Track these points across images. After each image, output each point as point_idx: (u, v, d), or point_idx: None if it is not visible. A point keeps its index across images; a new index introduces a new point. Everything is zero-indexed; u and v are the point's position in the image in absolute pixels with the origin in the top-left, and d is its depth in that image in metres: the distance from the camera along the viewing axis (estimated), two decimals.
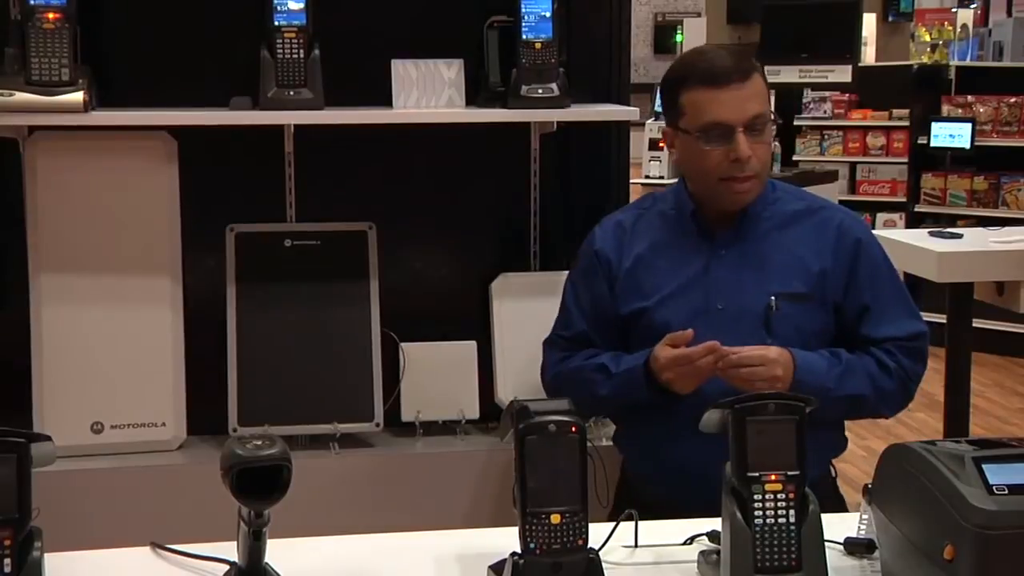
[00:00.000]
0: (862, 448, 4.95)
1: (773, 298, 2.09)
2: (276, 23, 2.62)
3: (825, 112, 8.29)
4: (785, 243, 2.14)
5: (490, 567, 1.57)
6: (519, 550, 1.48)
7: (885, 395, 2.12)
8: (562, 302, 2.30)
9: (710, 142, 2.07)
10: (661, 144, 9.28)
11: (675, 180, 7.58)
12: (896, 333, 2.12)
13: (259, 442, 1.41)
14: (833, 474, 2.23)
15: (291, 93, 2.62)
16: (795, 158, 8.29)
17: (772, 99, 2.23)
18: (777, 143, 7.09)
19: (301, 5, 2.62)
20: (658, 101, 10.02)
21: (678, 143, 2.15)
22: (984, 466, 1.38)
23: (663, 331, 2.10)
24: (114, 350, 2.69)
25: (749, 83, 2.06)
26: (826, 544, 1.50)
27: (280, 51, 2.61)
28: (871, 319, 2.12)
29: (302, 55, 2.62)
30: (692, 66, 2.12)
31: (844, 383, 2.08)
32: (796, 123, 8.75)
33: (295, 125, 2.74)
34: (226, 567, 1.53)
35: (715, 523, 1.57)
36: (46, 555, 1.43)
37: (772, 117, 2.11)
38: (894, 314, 2.13)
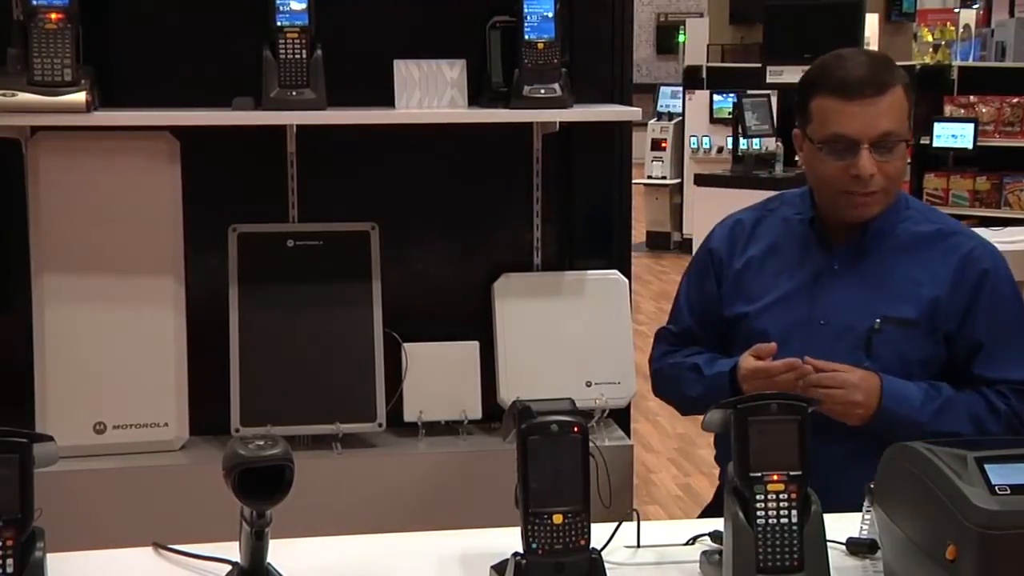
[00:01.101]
0: None
1: (878, 320, 2.00)
2: (278, 23, 2.61)
3: None
4: (904, 265, 2.04)
5: (492, 567, 1.57)
6: (521, 550, 1.48)
7: (988, 436, 1.99)
8: (675, 296, 2.26)
9: (832, 155, 1.98)
10: (663, 144, 9.31)
11: (676, 181, 7.58)
12: (1012, 376, 2.01)
13: (261, 442, 1.41)
14: None
15: (293, 93, 2.62)
16: (797, 158, 8.30)
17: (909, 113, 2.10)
18: (779, 143, 7.11)
19: (303, 5, 2.62)
20: (660, 101, 10.06)
21: (804, 148, 2.07)
22: (986, 466, 1.38)
23: (761, 339, 2.04)
24: (116, 350, 2.69)
25: (884, 98, 1.96)
26: (828, 544, 1.50)
27: (282, 51, 2.61)
28: (986, 357, 2.01)
29: (304, 55, 2.62)
30: (827, 72, 2.01)
31: (940, 419, 1.97)
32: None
33: (297, 125, 2.74)
34: (228, 567, 1.54)
35: (717, 523, 1.57)
36: (48, 555, 1.44)
37: (906, 135, 1.99)
38: (1014, 356, 2.02)
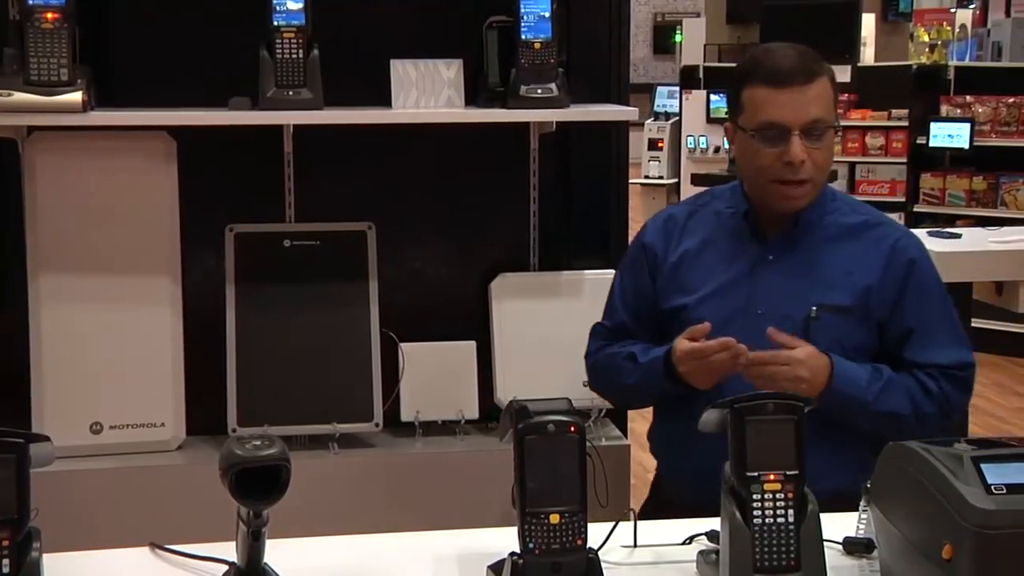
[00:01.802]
0: None
1: (815, 308, 2.05)
2: (275, 23, 2.61)
3: None
4: (836, 255, 2.10)
5: (489, 567, 1.57)
6: (518, 550, 1.48)
7: (924, 418, 2.07)
8: (610, 291, 2.29)
9: (765, 142, 2.03)
10: (660, 144, 9.30)
11: (673, 181, 7.60)
12: (941, 360, 2.07)
13: (258, 442, 1.41)
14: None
15: (290, 93, 2.62)
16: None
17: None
18: None
19: (300, 5, 2.62)
20: (657, 101, 10.06)
21: (736, 139, 2.12)
22: (983, 466, 1.38)
23: None
24: (113, 350, 2.69)
25: (812, 86, 2.02)
26: (825, 544, 1.50)
27: (279, 51, 2.61)
28: (916, 343, 2.07)
29: (301, 55, 2.62)
30: (757, 63, 2.08)
31: (883, 399, 2.03)
32: None
33: (294, 125, 2.74)
34: (225, 567, 1.53)
35: (714, 523, 1.57)
36: (45, 555, 1.43)
37: (833, 123, 2.05)
38: (941, 340, 2.08)
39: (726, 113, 2.19)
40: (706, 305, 2.10)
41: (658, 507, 2.10)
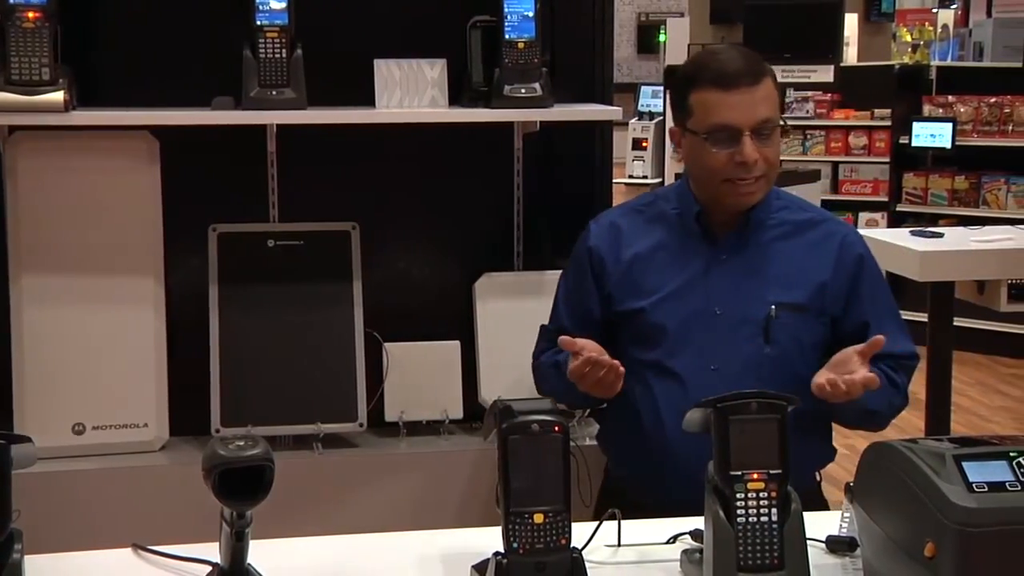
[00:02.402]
0: (845, 447, 4.96)
1: (773, 307, 2.07)
2: (258, 22, 2.61)
3: (807, 112, 8.30)
4: (787, 253, 2.12)
5: (473, 567, 1.57)
6: (502, 550, 1.48)
7: (894, 409, 2.12)
8: (555, 294, 2.30)
9: (717, 144, 2.05)
10: (644, 144, 9.32)
11: (658, 180, 7.60)
12: (895, 351, 2.10)
13: (241, 443, 1.41)
14: (818, 479, 2.22)
15: (274, 93, 2.62)
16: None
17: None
18: None
19: (283, 5, 2.61)
20: (641, 101, 10.07)
21: (685, 143, 2.14)
22: (964, 464, 1.39)
23: (658, 332, 2.10)
24: (96, 351, 2.68)
25: (759, 87, 2.05)
26: (808, 542, 1.51)
27: (262, 51, 2.61)
28: (871, 336, 2.06)
29: (284, 55, 2.61)
30: (703, 67, 2.10)
31: (873, 398, 2.03)
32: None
33: (278, 125, 2.74)
34: (208, 568, 1.53)
35: (698, 522, 1.58)
36: (27, 557, 1.43)
37: (781, 121, 2.09)
38: (893, 332, 2.11)
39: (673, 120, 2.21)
40: (663, 307, 2.11)
41: (609, 508, 2.11)
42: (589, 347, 1.98)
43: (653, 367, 2.11)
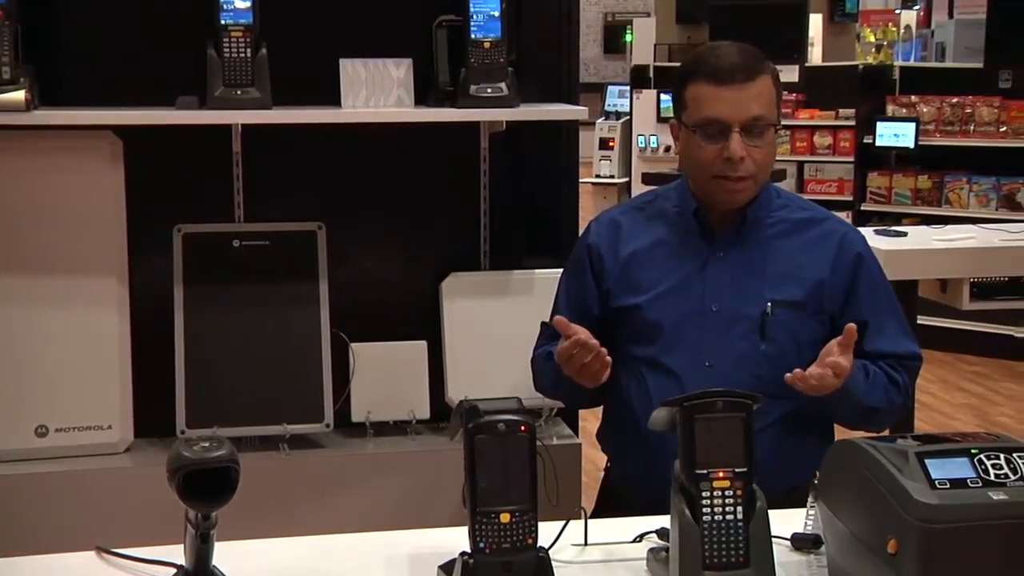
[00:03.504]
0: None
1: (770, 304, 2.07)
2: (223, 22, 2.60)
3: None
4: (785, 251, 2.12)
5: (440, 567, 1.57)
6: (469, 550, 1.48)
7: (894, 409, 2.11)
8: (556, 291, 2.29)
9: (705, 138, 2.05)
10: (611, 143, 9.34)
11: (625, 180, 7.60)
12: (897, 351, 2.11)
13: (206, 444, 1.40)
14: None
15: (238, 92, 2.61)
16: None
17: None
18: None
19: (248, 4, 2.60)
20: (608, 100, 10.10)
21: (680, 136, 2.14)
22: (927, 461, 1.40)
23: (655, 329, 2.09)
24: (59, 352, 2.66)
25: (753, 84, 2.04)
26: (773, 540, 1.51)
27: (227, 50, 2.60)
28: (874, 334, 2.07)
29: (249, 54, 2.60)
30: (701, 61, 2.10)
31: (871, 394, 2.05)
32: None
33: (243, 124, 2.72)
34: (173, 570, 1.52)
35: (664, 520, 1.58)
36: None
37: (775, 121, 2.07)
38: (894, 332, 2.11)
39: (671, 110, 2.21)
40: (660, 304, 2.11)
41: (609, 509, 2.11)
42: (582, 332, 1.98)
43: (649, 363, 2.11)
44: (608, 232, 2.21)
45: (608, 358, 1.99)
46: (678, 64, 2.22)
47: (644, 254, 2.16)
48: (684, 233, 2.15)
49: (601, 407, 2.28)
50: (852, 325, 1.93)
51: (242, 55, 2.60)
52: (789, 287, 2.09)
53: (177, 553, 1.51)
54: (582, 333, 1.98)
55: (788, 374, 1.94)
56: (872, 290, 2.14)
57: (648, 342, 2.11)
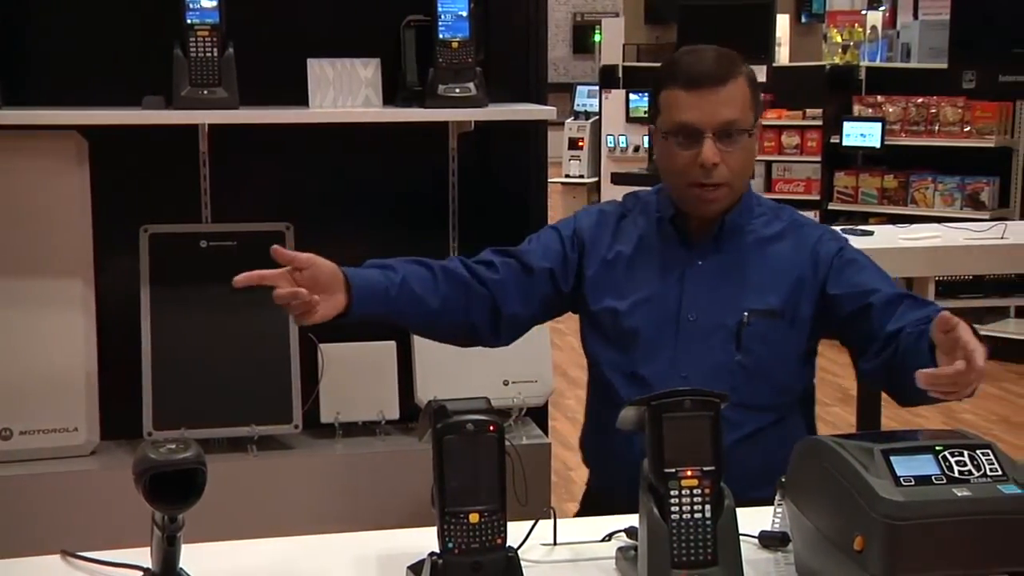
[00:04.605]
0: None
1: (746, 313, 2.04)
2: (189, 21, 2.58)
3: None
4: (764, 259, 2.09)
5: (409, 567, 1.56)
6: (438, 550, 1.48)
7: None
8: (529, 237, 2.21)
9: (679, 145, 2.03)
10: (580, 143, 9.36)
11: (594, 179, 7.61)
12: (925, 312, 1.92)
13: (173, 446, 1.39)
14: None
15: (205, 92, 2.59)
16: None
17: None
18: None
19: (214, 3, 2.59)
20: (577, 100, 10.12)
21: (656, 142, 2.12)
22: (892, 458, 1.42)
23: (631, 336, 2.07)
24: (24, 354, 2.63)
25: (726, 88, 2.01)
26: (741, 538, 1.52)
27: (193, 49, 2.58)
28: (885, 310, 1.95)
29: (216, 54, 2.59)
30: (674, 66, 2.07)
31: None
32: None
33: (210, 124, 2.71)
34: (140, 573, 1.51)
35: (633, 519, 1.59)
36: None
37: (748, 126, 2.03)
38: (909, 304, 1.96)
39: (645, 112, 2.19)
40: (638, 313, 2.08)
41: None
42: (304, 264, 1.85)
43: (623, 372, 2.08)
44: (596, 224, 2.16)
45: (316, 299, 1.86)
46: (650, 64, 2.21)
47: (627, 258, 2.13)
48: (664, 239, 2.13)
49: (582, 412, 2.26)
50: (946, 313, 1.64)
51: (209, 55, 2.58)
52: (766, 296, 2.06)
53: (144, 556, 1.51)
54: (308, 265, 1.86)
55: (921, 374, 1.61)
56: (861, 266, 2.07)
57: (623, 350, 2.09)
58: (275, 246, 1.87)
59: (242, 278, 1.84)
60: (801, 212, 2.30)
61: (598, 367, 2.12)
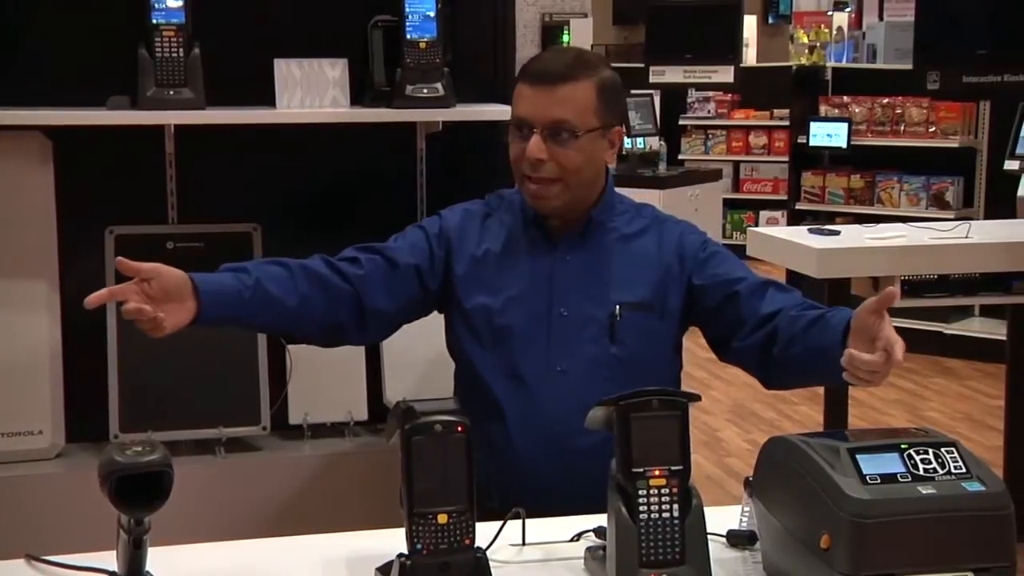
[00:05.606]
0: (747, 442, 5.06)
1: (617, 306, 2.08)
2: (154, 21, 2.56)
3: (709, 112, 8.43)
4: (629, 254, 2.14)
5: (377, 569, 1.56)
6: (406, 551, 1.48)
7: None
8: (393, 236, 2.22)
9: (516, 137, 2.08)
10: None
11: None
12: (789, 302, 2.01)
13: (139, 448, 1.39)
14: None
15: (171, 92, 2.57)
16: (680, 157, 8.43)
17: (591, 110, 2.11)
18: (663, 142, 7.22)
19: (180, 3, 2.57)
20: None
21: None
22: (858, 457, 1.43)
23: (506, 333, 2.09)
24: None
25: (563, 88, 2.04)
26: (709, 537, 1.53)
27: (159, 49, 2.56)
28: (755, 296, 2.03)
29: (182, 54, 2.57)
30: (531, 60, 2.13)
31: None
32: (681, 123, 8.90)
33: (176, 125, 2.69)
34: None
35: (601, 519, 1.59)
36: None
37: (583, 129, 2.04)
38: (774, 289, 2.05)
39: None
40: (510, 310, 2.10)
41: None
42: (150, 274, 1.83)
43: (498, 370, 2.09)
44: (461, 222, 2.18)
45: (159, 316, 1.83)
46: (618, 65, 2.23)
47: (496, 255, 2.14)
48: (531, 237, 2.16)
49: None
50: (893, 289, 1.73)
51: (174, 55, 2.57)
52: (635, 288, 2.10)
53: (110, 559, 1.50)
54: (153, 275, 1.84)
55: (844, 359, 1.68)
56: (724, 258, 2.13)
57: (498, 348, 2.10)
58: (119, 258, 1.86)
59: (93, 298, 1.83)
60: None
61: (472, 369, 2.12)
